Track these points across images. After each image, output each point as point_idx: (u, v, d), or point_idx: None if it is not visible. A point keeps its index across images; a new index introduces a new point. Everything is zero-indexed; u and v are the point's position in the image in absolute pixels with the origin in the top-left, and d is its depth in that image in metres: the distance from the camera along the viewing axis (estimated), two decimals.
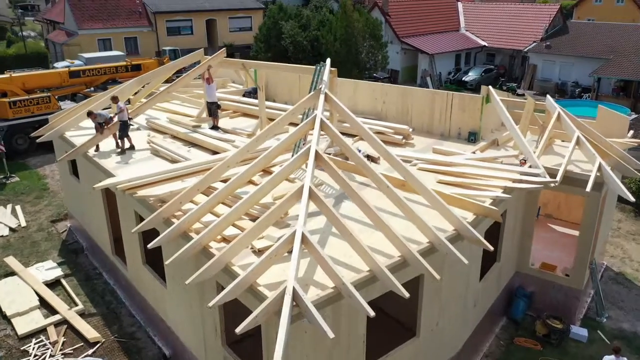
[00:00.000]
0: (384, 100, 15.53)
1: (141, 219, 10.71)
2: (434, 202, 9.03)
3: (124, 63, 26.39)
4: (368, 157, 12.43)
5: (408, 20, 40.81)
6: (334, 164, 9.02)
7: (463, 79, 38.89)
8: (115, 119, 13.26)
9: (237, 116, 16.89)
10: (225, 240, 8.76)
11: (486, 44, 41.93)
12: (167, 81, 18.13)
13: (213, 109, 14.96)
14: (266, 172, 10.94)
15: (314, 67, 11.86)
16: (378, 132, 13.83)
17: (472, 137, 13.92)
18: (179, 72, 20.21)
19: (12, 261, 14.31)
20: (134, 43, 43.33)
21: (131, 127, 13.69)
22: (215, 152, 13.07)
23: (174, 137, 14.45)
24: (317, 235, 8.90)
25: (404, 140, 13.79)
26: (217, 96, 16.07)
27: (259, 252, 8.30)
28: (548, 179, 10.37)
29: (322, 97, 10.74)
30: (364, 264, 7.77)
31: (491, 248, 8.66)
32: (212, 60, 15.16)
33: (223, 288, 8.15)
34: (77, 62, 32.76)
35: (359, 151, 12.69)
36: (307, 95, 11.13)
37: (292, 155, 11.31)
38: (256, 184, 10.92)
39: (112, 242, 13.63)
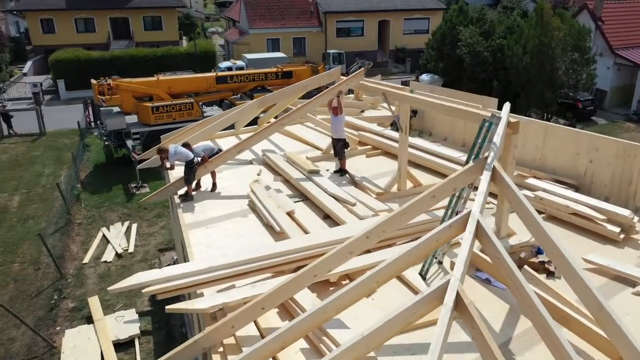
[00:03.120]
0: (590, 158, 10.27)
1: (198, 322, 7.61)
2: None
3: (274, 70, 24.15)
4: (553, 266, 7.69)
5: (627, 27, 32.18)
6: (481, 323, 4.68)
7: None
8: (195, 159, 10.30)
9: (376, 154, 12.99)
10: None
11: None
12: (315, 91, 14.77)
13: (339, 147, 11.27)
14: None
15: (481, 118, 7.34)
16: (576, 214, 8.86)
17: None
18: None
19: (94, 303, 12.50)
20: (302, 44, 41.91)
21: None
22: (326, 216, 9.49)
23: (286, 181, 11.20)
24: None
25: (622, 236, 8.51)
26: (356, 125, 12.43)
27: None
28: None
29: (487, 175, 6.32)
30: None
31: None
32: (344, 84, 11.38)
33: None
34: (239, 62, 32.04)
35: (539, 252, 7.97)
36: (464, 167, 6.78)
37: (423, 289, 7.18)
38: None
39: None
